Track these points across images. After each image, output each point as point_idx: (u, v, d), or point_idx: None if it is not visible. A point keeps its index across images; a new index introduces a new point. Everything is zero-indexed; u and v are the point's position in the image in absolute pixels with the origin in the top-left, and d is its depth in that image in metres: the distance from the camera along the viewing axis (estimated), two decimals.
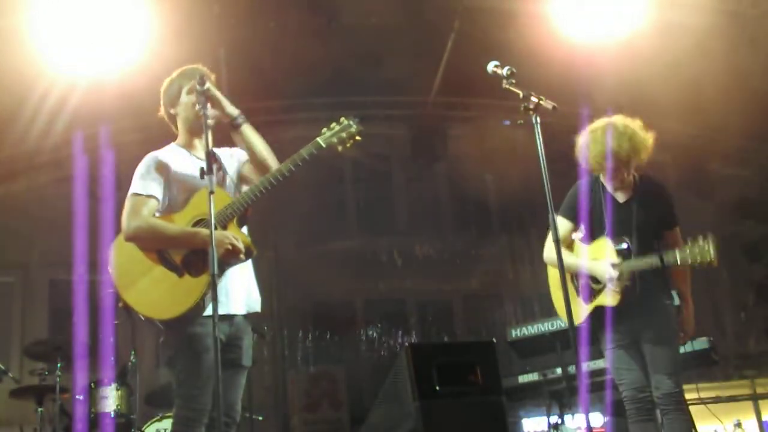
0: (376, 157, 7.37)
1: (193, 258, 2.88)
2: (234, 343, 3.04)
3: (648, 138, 3.58)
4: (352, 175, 8.28)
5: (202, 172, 2.82)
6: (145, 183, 2.98)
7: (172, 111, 3.19)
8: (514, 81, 3.22)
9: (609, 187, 3.67)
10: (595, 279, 3.62)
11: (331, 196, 7.43)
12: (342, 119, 3.22)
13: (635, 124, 3.59)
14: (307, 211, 7.29)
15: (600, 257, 3.57)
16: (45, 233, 6.97)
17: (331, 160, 7.32)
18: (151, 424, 4.94)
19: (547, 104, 3.13)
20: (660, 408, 3.44)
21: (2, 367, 5.31)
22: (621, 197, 3.67)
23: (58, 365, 5.22)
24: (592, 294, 3.63)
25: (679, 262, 3.32)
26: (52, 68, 5.98)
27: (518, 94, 3.20)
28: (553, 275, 3.79)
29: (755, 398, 5.77)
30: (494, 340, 4.30)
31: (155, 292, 2.89)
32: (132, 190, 2.98)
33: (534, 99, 3.12)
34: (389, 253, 8.30)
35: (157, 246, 2.91)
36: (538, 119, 3.12)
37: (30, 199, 6.85)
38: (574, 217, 3.72)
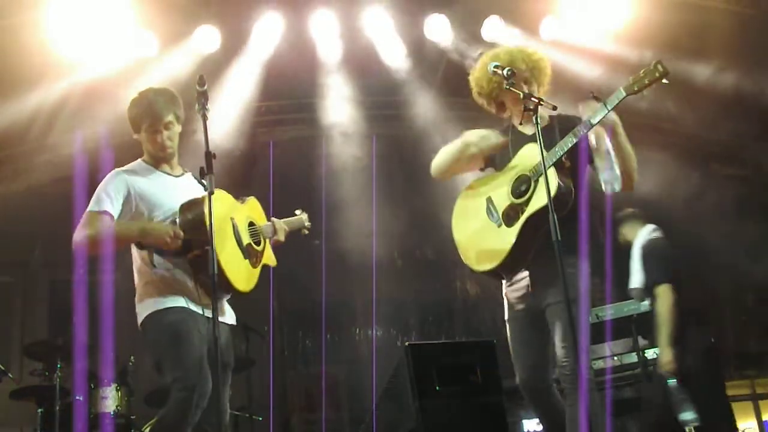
0: (378, 156, 7.36)
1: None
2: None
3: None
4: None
5: (202, 172, 2.85)
6: (99, 200, 3.08)
7: (135, 137, 3.33)
8: (514, 82, 3.21)
9: (516, 123, 3.42)
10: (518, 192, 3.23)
11: (331, 195, 7.43)
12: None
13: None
14: (305, 210, 7.28)
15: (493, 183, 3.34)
16: (45, 233, 6.96)
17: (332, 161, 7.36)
18: (151, 424, 4.94)
19: (548, 105, 3.11)
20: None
21: (2, 368, 5.31)
22: (528, 130, 3.35)
23: (58, 365, 5.22)
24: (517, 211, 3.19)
25: (624, 94, 2.94)
26: (52, 68, 5.99)
27: (519, 95, 3.20)
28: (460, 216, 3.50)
29: (755, 398, 5.77)
30: (494, 340, 4.29)
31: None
32: (89, 207, 3.09)
33: (534, 99, 3.10)
34: (390, 254, 8.29)
35: (113, 246, 3.04)
36: (539, 119, 3.09)
37: (30, 199, 6.85)
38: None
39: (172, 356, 2.97)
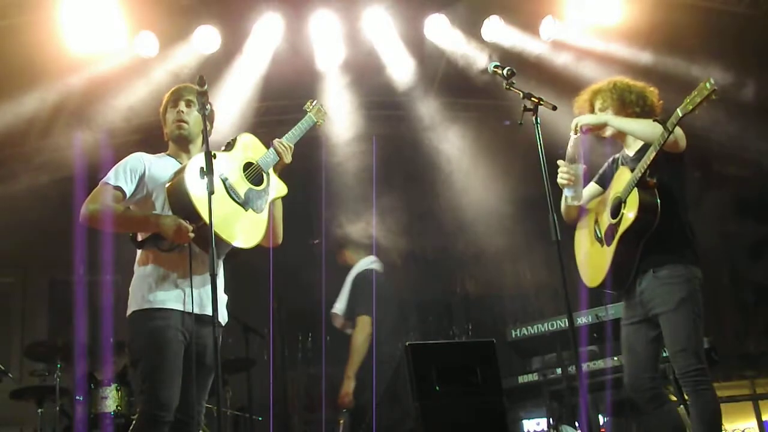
0: (378, 157, 7.36)
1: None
2: (199, 341, 3.07)
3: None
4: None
5: (202, 172, 2.85)
6: (116, 175, 3.11)
7: (164, 129, 3.38)
8: (514, 81, 3.23)
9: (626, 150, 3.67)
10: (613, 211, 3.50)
11: (331, 196, 7.42)
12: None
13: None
14: (307, 210, 7.29)
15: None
16: (45, 233, 6.96)
17: (332, 159, 7.36)
18: None
19: (548, 105, 3.13)
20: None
21: (2, 368, 5.31)
22: (630, 152, 3.63)
23: (58, 366, 5.23)
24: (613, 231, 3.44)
25: (681, 114, 3.13)
26: (52, 68, 5.99)
27: (518, 95, 3.21)
28: (577, 239, 3.76)
29: (755, 398, 5.77)
30: (494, 340, 4.29)
31: None
32: (104, 178, 3.11)
33: (534, 99, 3.12)
34: (390, 254, 8.29)
35: (112, 228, 3.07)
36: (539, 119, 3.12)
37: (30, 199, 6.85)
38: (599, 182, 3.74)
39: (148, 367, 2.97)
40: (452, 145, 7.52)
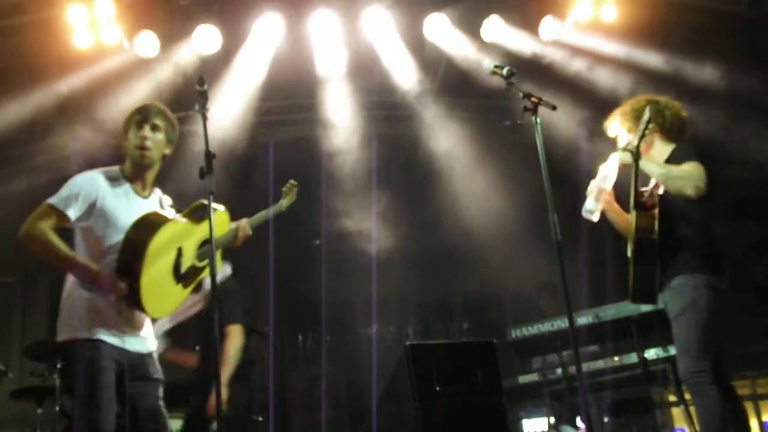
0: (378, 157, 7.36)
1: None
2: (139, 360, 3.12)
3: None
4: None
5: (202, 173, 2.85)
6: (67, 200, 3.06)
7: (124, 142, 3.25)
8: (514, 81, 3.23)
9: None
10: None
11: (331, 196, 7.43)
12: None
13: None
14: (306, 210, 7.29)
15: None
16: None
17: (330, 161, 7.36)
18: None
19: (548, 105, 3.13)
20: None
21: (2, 368, 5.31)
22: None
23: (58, 366, 5.22)
24: None
25: (636, 144, 3.33)
26: (52, 69, 6.00)
27: (518, 94, 3.21)
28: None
29: (755, 398, 5.76)
30: (494, 340, 4.29)
31: None
32: (50, 199, 3.08)
33: (534, 99, 3.12)
34: (390, 253, 8.30)
35: (42, 256, 3.13)
36: (538, 119, 3.12)
37: (30, 199, 6.84)
38: None
39: (83, 395, 2.95)
40: (452, 145, 7.52)
